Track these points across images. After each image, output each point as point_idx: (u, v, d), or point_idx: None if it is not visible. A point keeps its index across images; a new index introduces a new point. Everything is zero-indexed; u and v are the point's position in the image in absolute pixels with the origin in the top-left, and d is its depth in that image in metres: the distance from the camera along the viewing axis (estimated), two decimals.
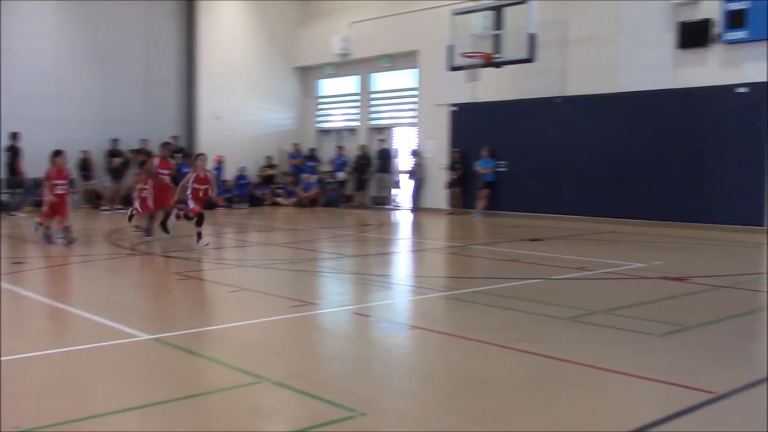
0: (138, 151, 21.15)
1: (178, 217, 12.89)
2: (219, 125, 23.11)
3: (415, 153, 21.60)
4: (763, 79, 15.25)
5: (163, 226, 13.34)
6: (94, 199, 20.65)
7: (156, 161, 13.56)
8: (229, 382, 5.07)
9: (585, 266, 10.42)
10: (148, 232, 13.33)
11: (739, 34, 15.39)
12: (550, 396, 4.82)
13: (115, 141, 21.13)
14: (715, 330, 6.76)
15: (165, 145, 14.29)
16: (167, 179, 13.49)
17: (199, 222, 12.23)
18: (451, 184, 20.53)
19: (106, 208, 20.21)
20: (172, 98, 23.11)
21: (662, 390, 4.94)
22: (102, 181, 20.87)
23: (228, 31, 23.61)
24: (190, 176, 12.33)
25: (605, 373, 5.32)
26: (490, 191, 19.66)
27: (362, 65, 23.56)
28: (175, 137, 21.98)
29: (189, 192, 12.27)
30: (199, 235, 12.17)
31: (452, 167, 20.47)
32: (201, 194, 12.29)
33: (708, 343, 6.28)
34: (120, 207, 20.37)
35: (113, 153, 21.07)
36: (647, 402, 4.71)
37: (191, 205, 12.25)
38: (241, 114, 23.86)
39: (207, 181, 12.37)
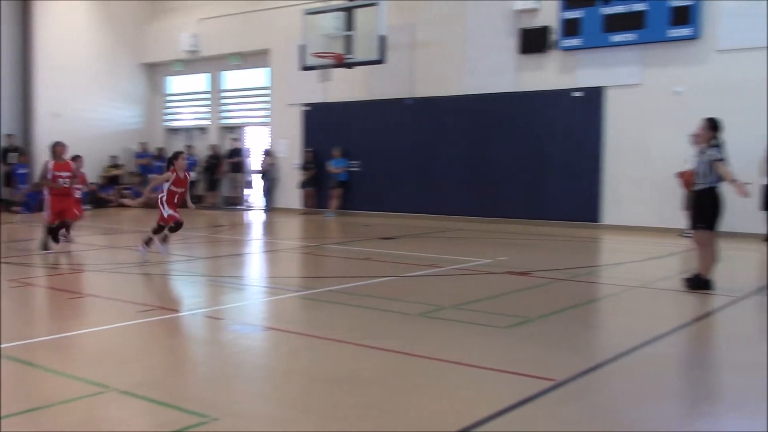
0: None
1: (156, 231, 10.81)
2: (59, 123, 21.82)
3: (267, 153, 21.41)
4: (595, 84, 16.29)
5: (55, 236, 11.77)
6: None
7: (50, 164, 11.78)
8: (72, 394, 4.81)
9: (435, 263, 10.71)
10: (45, 244, 11.58)
11: (574, 41, 16.35)
12: (402, 391, 4.93)
13: None
14: (556, 320, 7.15)
15: (57, 144, 12.17)
16: (68, 183, 11.86)
17: (176, 229, 10.78)
18: (304, 184, 20.52)
19: None
20: (6, 95, 21.59)
21: (507, 380, 5.17)
22: None
23: (68, 26, 22.36)
24: (168, 177, 10.58)
25: (454, 366, 5.49)
26: (343, 191, 19.82)
27: (212, 63, 23.08)
28: (9, 135, 20.60)
29: (164, 196, 10.51)
30: (165, 239, 10.81)
31: (305, 167, 20.46)
32: (176, 199, 10.70)
33: (549, 333, 6.63)
34: None
35: None
36: (494, 392, 4.91)
37: (168, 211, 10.45)
38: (84, 111, 22.68)
39: (185, 184, 10.74)
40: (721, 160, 8.42)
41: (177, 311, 7.65)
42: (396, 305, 7.68)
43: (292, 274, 10.75)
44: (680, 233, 14.30)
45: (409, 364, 5.59)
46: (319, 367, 5.49)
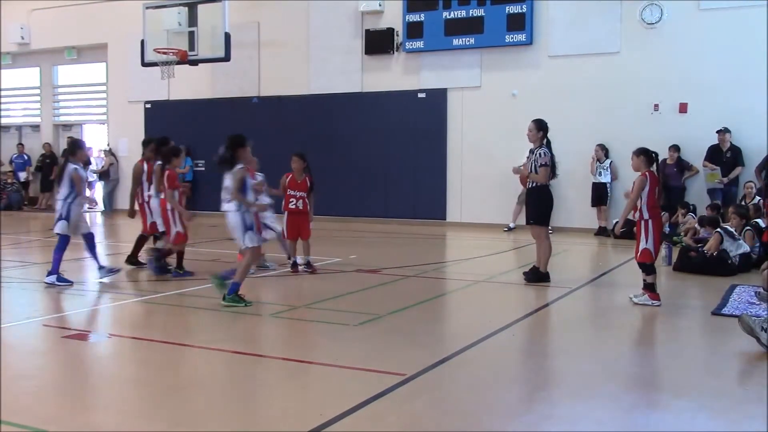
0: None
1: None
2: None
3: (108, 152, 20.48)
4: (438, 86, 16.80)
5: None
6: None
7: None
8: None
9: (286, 263, 10.67)
10: None
11: (417, 44, 16.79)
12: (252, 393, 4.89)
13: None
14: (405, 316, 7.33)
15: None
16: None
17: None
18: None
19: None
20: None
21: (359, 377, 5.25)
22: None
23: None
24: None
25: (305, 365, 5.52)
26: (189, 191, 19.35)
27: (44, 56, 21.78)
28: None
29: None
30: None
31: None
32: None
33: (399, 329, 6.79)
34: None
35: None
36: (345, 390, 4.96)
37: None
38: None
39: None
40: (544, 165, 8.88)
41: (10, 321, 7.17)
42: (247, 307, 7.59)
43: (134, 279, 10.35)
44: (504, 228, 15.26)
45: (260, 366, 5.55)
46: (166, 374, 5.35)
